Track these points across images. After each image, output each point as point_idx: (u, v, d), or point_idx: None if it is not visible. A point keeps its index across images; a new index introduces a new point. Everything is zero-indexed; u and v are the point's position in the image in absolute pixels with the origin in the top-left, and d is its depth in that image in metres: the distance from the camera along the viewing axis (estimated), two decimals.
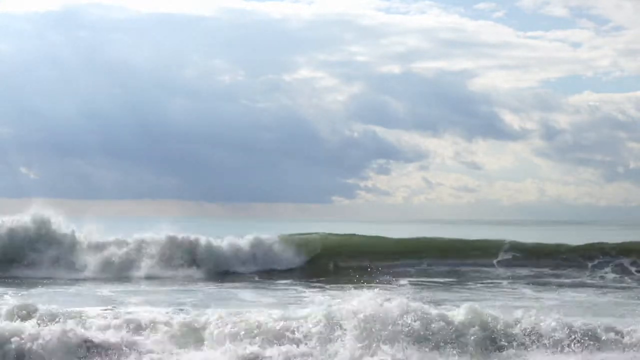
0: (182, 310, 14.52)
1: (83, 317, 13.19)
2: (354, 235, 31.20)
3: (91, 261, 26.06)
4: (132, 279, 24.82)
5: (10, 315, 13.11)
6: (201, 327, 12.79)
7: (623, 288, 22.96)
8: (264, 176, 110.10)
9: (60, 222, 27.48)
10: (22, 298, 16.65)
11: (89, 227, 27.69)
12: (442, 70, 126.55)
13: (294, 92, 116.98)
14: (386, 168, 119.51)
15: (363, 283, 13.93)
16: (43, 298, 17.59)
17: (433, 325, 12.50)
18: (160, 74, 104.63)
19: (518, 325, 12.84)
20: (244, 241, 28.00)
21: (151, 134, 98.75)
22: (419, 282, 23.61)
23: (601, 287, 23.12)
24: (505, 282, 23.93)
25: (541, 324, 12.70)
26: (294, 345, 12.13)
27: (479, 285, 23.51)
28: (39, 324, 12.56)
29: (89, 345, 12.13)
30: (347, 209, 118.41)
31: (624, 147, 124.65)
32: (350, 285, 14.22)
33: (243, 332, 12.37)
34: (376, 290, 13.05)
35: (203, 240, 27.60)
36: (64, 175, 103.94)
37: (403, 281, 22.77)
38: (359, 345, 11.90)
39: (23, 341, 12.04)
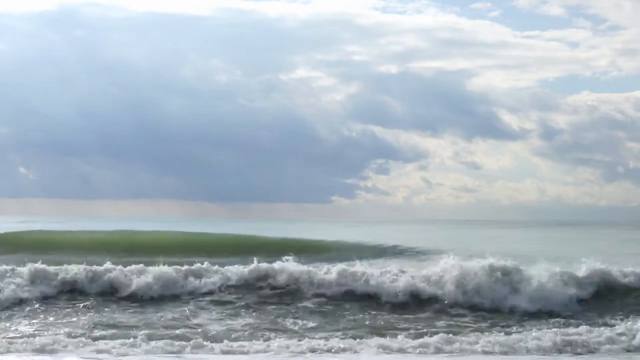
0: None
1: None
2: None
3: None
4: None
5: None
6: None
7: None
8: (262, 176, 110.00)
9: None
10: None
11: None
12: (440, 70, 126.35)
13: (291, 91, 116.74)
14: (385, 168, 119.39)
15: None
16: None
17: None
18: (157, 74, 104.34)
19: None
20: None
21: (149, 133, 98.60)
22: None
23: None
24: None
25: None
26: None
27: None
28: None
29: None
30: (347, 209, 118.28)
31: (623, 147, 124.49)
32: None
33: None
34: None
35: None
36: (63, 176, 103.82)
37: None
38: None
39: None
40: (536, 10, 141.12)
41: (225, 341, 12.51)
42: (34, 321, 14.44)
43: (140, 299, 16.67)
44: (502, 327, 14.46)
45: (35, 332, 13.24)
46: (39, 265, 17.40)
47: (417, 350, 12.23)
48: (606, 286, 17.33)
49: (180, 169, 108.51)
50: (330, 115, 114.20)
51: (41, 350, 11.77)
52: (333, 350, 12.14)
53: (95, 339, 12.51)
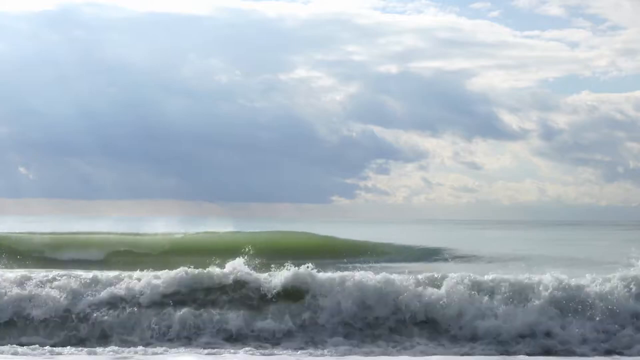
0: None
1: None
2: None
3: None
4: None
5: None
6: None
7: None
8: (262, 176, 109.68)
9: None
10: None
11: None
12: (439, 70, 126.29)
13: (291, 91, 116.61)
14: (385, 168, 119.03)
15: None
16: None
17: None
18: (157, 74, 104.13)
19: None
20: None
21: (148, 133, 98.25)
22: None
23: None
24: None
25: None
26: None
27: None
28: None
29: None
30: (347, 209, 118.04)
31: (623, 147, 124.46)
32: None
33: None
34: None
35: None
36: (63, 176, 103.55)
37: None
38: None
39: None
40: (536, 10, 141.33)
41: None
42: None
43: None
44: None
45: None
46: None
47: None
48: None
49: (180, 169, 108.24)
50: (330, 115, 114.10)
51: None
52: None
53: None
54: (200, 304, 13.93)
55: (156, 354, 12.06)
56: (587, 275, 14.64)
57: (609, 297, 14.02)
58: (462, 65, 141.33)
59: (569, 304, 13.91)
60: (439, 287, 14.17)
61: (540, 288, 14.07)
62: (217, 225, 30.13)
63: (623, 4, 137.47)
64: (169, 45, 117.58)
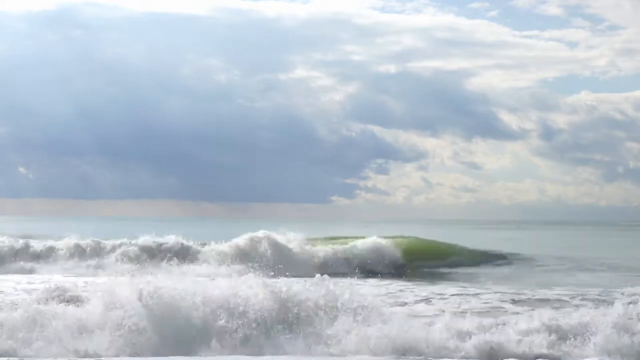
0: None
1: None
2: None
3: None
4: None
5: None
6: None
7: None
8: (262, 176, 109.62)
9: None
10: None
11: None
12: (439, 70, 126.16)
13: (290, 91, 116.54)
14: (385, 168, 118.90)
15: None
16: None
17: None
18: (155, 73, 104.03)
19: None
20: None
21: (147, 133, 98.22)
22: None
23: None
24: None
25: None
26: None
27: None
28: None
29: None
30: (347, 208, 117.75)
31: (622, 146, 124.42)
32: None
33: None
34: None
35: None
36: (63, 175, 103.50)
37: None
38: None
39: None
40: (535, 10, 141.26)
41: None
42: None
43: None
44: None
45: None
46: None
47: None
48: None
49: (180, 169, 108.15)
50: (329, 115, 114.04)
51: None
52: None
53: None
54: None
55: None
56: None
57: None
58: (461, 65, 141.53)
59: None
60: None
61: None
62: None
63: (622, 3, 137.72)
64: (168, 45, 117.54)
